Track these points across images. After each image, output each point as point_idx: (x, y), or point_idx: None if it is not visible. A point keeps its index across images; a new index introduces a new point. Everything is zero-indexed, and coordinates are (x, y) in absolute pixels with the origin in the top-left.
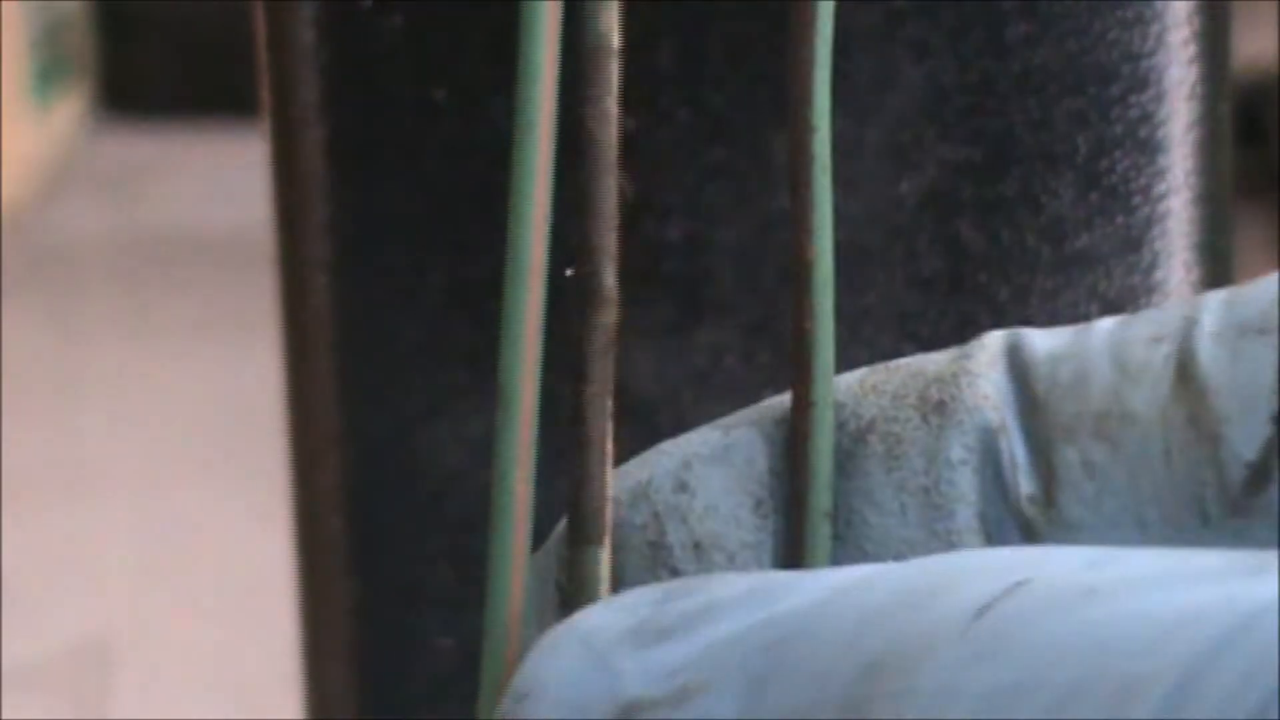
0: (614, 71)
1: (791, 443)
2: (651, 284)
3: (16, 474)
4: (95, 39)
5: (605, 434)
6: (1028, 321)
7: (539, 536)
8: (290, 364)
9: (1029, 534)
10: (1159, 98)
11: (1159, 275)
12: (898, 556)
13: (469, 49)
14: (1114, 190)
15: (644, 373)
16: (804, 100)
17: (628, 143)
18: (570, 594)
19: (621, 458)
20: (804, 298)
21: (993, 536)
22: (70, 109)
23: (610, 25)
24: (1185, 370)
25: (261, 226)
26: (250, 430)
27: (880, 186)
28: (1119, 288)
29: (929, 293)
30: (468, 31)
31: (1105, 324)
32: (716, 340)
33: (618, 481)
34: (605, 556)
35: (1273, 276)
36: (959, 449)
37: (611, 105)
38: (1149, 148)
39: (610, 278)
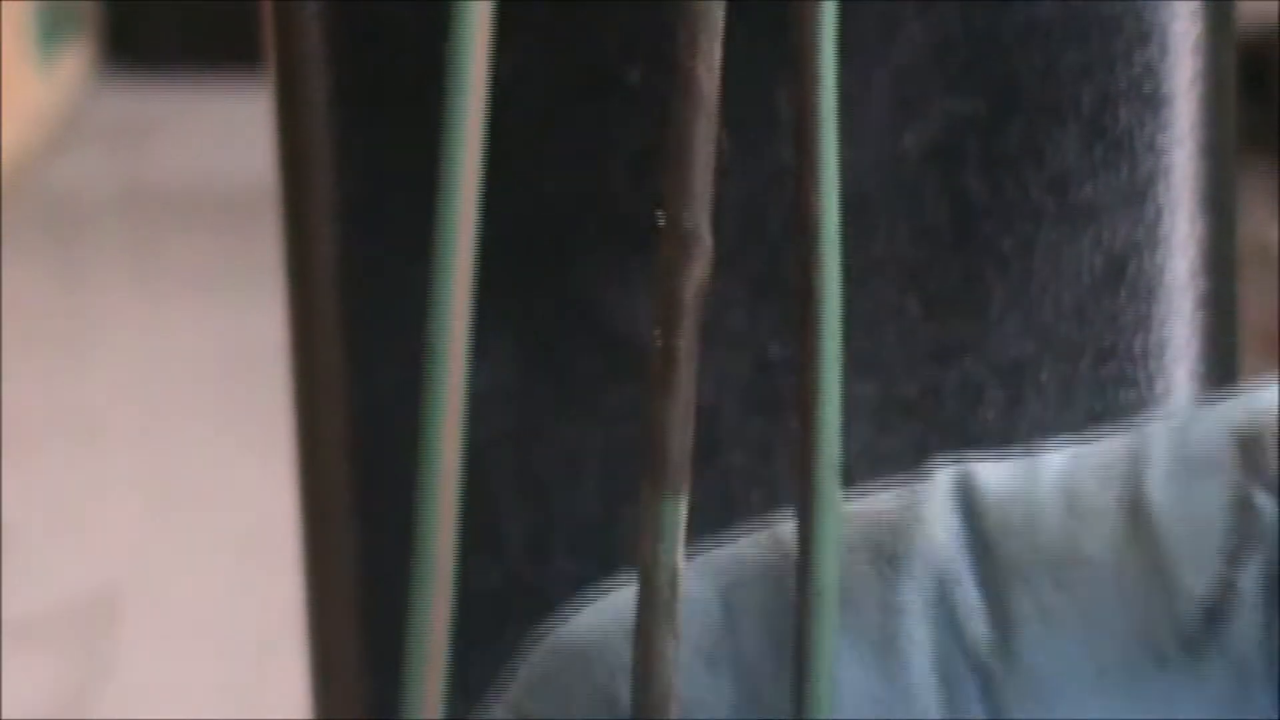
0: (721, 19)
1: (798, 397)
2: (655, 236)
3: (22, 425)
4: None
5: (692, 384)
6: (1032, 274)
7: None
8: (296, 314)
9: (987, 682)
10: (1163, 50)
11: (1163, 228)
12: (857, 711)
13: None
14: (1118, 143)
15: (648, 326)
16: (809, 52)
17: (632, 94)
18: (647, 546)
19: (625, 408)
20: (809, 251)
21: (951, 686)
22: (75, 63)
23: None
24: (1136, 511)
25: (265, 179)
26: (256, 380)
27: (884, 139)
28: (1123, 240)
29: (934, 245)
30: None
31: (1055, 460)
32: (722, 293)
33: (571, 628)
34: (684, 509)
35: (1220, 409)
36: (914, 599)
37: (718, 53)
38: (1153, 100)
39: (706, 227)
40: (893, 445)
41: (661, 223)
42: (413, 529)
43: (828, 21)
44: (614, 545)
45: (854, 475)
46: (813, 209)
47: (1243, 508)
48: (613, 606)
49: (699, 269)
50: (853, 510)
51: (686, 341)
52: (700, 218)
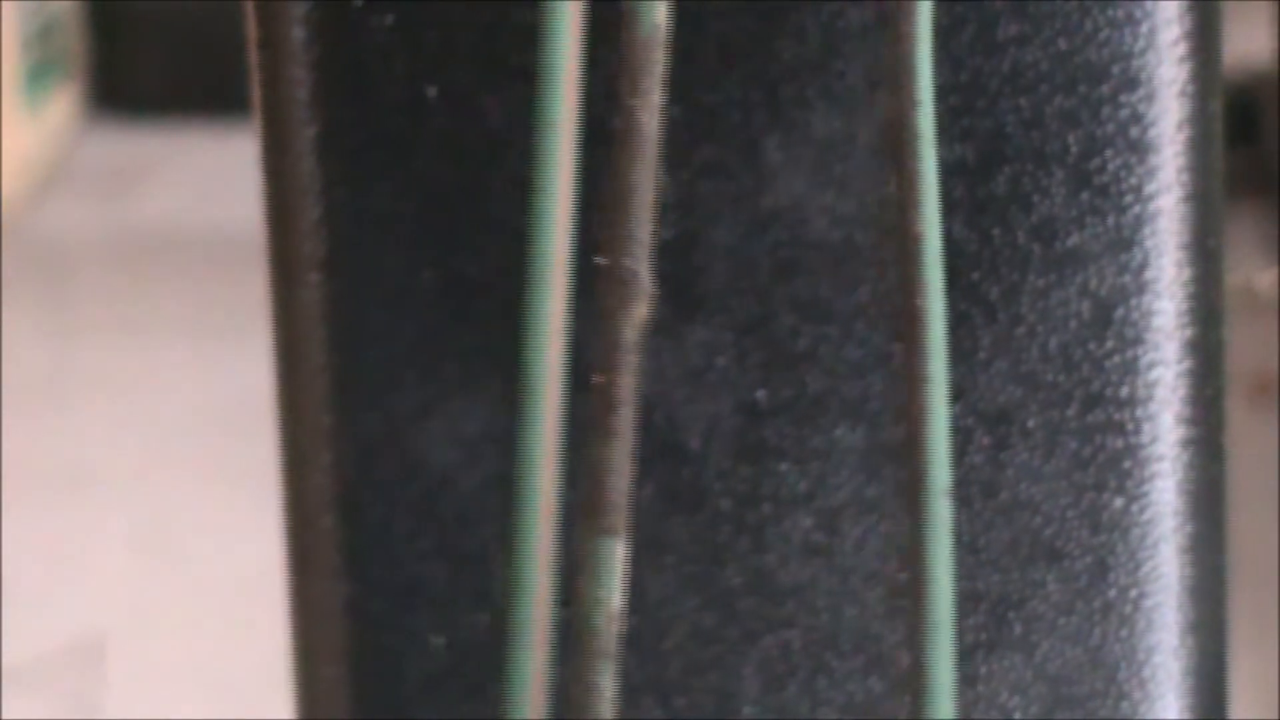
0: (662, 64)
1: (906, 422)
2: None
3: (10, 472)
4: (88, 38)
5: (631, 427)
6: (1019, 320)
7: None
8: (282, 362)
9: None
10: (1150, 97)
11: (1150, 274)
12: None
13: (460, 47)
14: (1105, 189)
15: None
16: (907, 75)
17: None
18: (585, 586)
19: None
20: (913, 273)
21: None
22: (63, 107)
23: (662, 17)
24: None
25: (254, 225)
26: (245, 428)
27: (872, 185)
28: (1110, 286)
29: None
30: (459, 30)
31: None
32: (709, 339)
33: None
34: (621, 550)
35: None
36: None
37: (658, 97)
38: (1140, 147)
39: (646, 271)
40: (879, 492)
41: (602, 264)
42: (508, 578)
43: (924, 43)
44: None
45: (841, 522)
46: (915, 230)
47: None
48: None
49: (638, 311)
50: None
51: (626, 382)
52: (639, 260)
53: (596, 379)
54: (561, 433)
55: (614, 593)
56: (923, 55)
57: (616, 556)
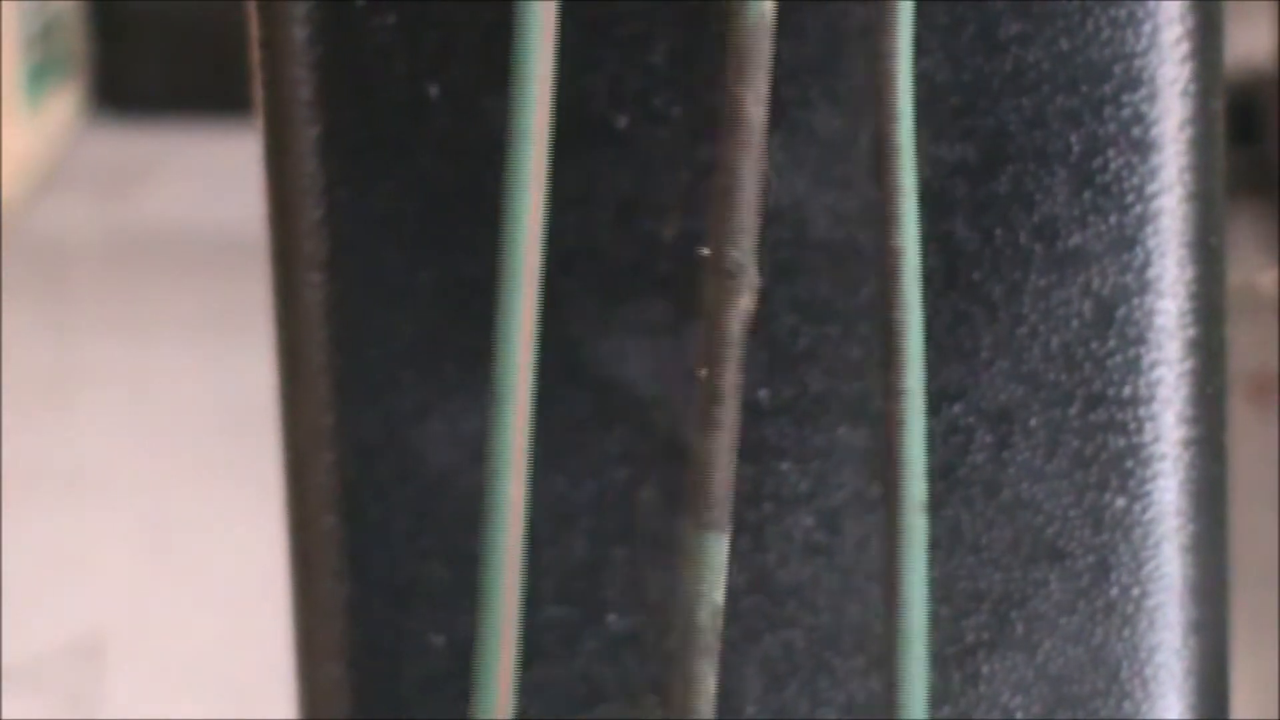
0: (769, 53)
1: (884, 433)
2: (645, 283)
3: (10, 471)
4: (89, 38)
5: (737, 420)
6: (1021, 320)
7: (532, 537)
8: (283, 362)
9: None
10: (1151, 96)
11: (1152, 273)
12: None
13: (462, 47)
14: (1107, 188)
15: (638, 371)
16: (887, 90)
17: (620, 141)
18: (688, 581)
19: (614, 454)
20: (892, 286)
21: None
22: (64, 107)
23: (769, 6)
24: None
25: (255, 225)
26: (244, 428)
27: (873, 185)
28: (1112, 285)
29: (923, 290)
30: (460, 29)
31: None
32: None
33: None
34: (726, 545)
35: None
36: None
37: (765, 84)
38: (1142, 146)
39: (753, 262)
40: (878, 493)
41: (705, 255)
42: (478, 580)
43: (905, 58)
44: (603, 593)
45: (842, 522)
46: (895, 244)
47: None
48: None
49: (744, 303)
50: None
51: (732, 376)
52: (747, 252)
53: (701, 372)
54: (531, 437)
55: (717, 588)
56: (903, 71)
57: (721, 551)
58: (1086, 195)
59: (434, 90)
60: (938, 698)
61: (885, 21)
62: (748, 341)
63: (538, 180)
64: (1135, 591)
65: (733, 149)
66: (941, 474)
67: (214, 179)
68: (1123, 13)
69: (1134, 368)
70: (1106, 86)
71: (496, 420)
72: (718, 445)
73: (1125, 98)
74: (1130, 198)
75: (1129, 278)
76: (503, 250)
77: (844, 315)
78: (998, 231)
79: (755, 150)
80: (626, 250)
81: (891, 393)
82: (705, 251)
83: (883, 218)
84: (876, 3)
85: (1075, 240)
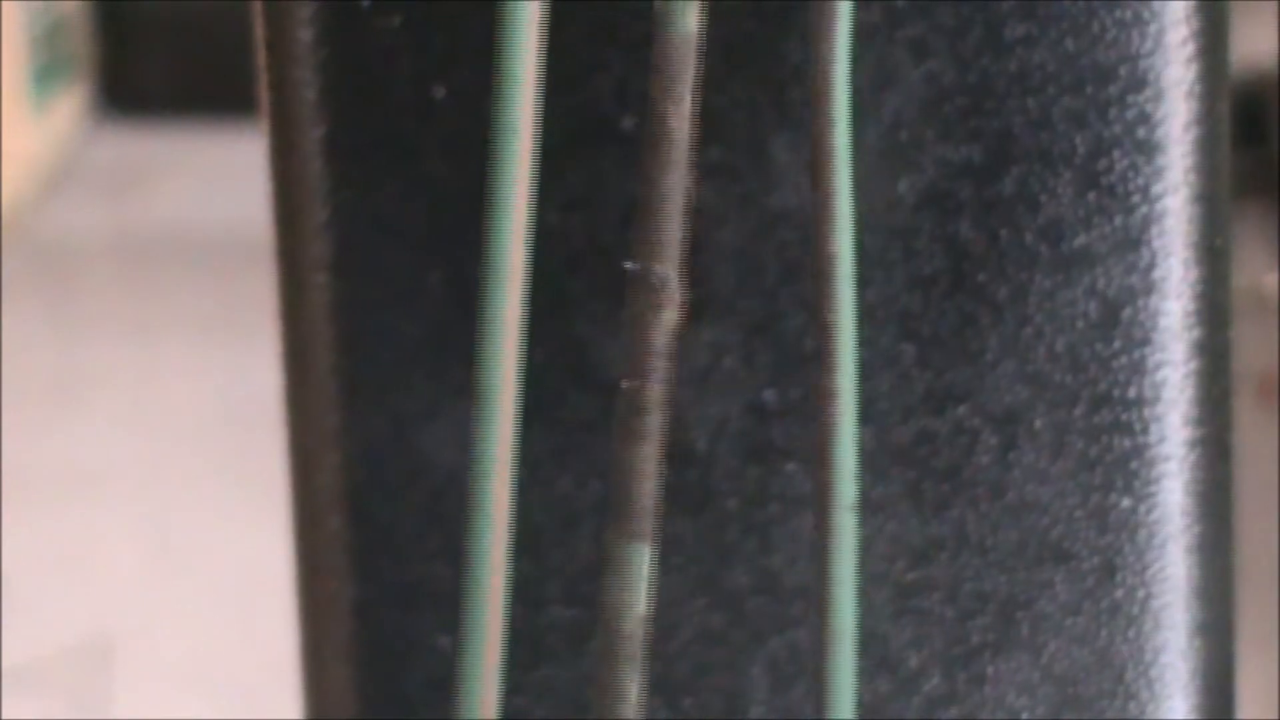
0: (694, 68)
1: (816, 435)
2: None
3: (17, 475)
4: (94, 39)
5: (660, 432)
6: (1026, 321)
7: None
8: (289, 363)
9: None
10: (1157, 97)
11: (1157, 274)
12: None
13: (467, 48)
14: (1112, 189)
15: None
16: (824, 95)
17: (625, 142)
18: (612, 591)
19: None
20: (826, 290)
21: None
22: (69, 108)
23: (695, 21)
24: None
25: (260, 226)
26: (250, 429)
27: (879, 186)
28: (1117, 287)
29: (929, 292)
30: (466, 30)
31: None
32: (716, 339)
33: None
34: (649, 556)
35: None
36: None
37: (690, 103)
38: (1147, 147)
39: (676, 275)
40: (887, 493)
41: (631, 269)
42: (462, 581)
43: (841, 64)
44: None
45: None
46: (829, 249)
47: None
48: None
49: (669, 316)
50: None
51: (657, 388)
52: (671, 266)
53: (626, 384)
54: (526, 438)
55: (641, 598)
56: (839, 76)
57: (645, 562)
58: (1092, 196)
59: (440, 91)
60: (943, 699)
61: (822, 26)
62: (675, 353)
63: (523, 179)
64: (1141, 593)
65: (656, 163)
66: (947, 475)
67: (219, 180)
68: (1128, 14)
69: (1139, 369)
70: (1112, 88)
71: (482, 418)
72: (641, 456)
73: (1131, 99)
74: (1136, 199)
75: (1134, 279)
76: (486, 251)
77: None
78: (1003, 233)
79: (680, 165)
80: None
81: (824, 394)
82: (630, 265)
83: (817, 223)
84: (816, 3)
85: (1080, 241)
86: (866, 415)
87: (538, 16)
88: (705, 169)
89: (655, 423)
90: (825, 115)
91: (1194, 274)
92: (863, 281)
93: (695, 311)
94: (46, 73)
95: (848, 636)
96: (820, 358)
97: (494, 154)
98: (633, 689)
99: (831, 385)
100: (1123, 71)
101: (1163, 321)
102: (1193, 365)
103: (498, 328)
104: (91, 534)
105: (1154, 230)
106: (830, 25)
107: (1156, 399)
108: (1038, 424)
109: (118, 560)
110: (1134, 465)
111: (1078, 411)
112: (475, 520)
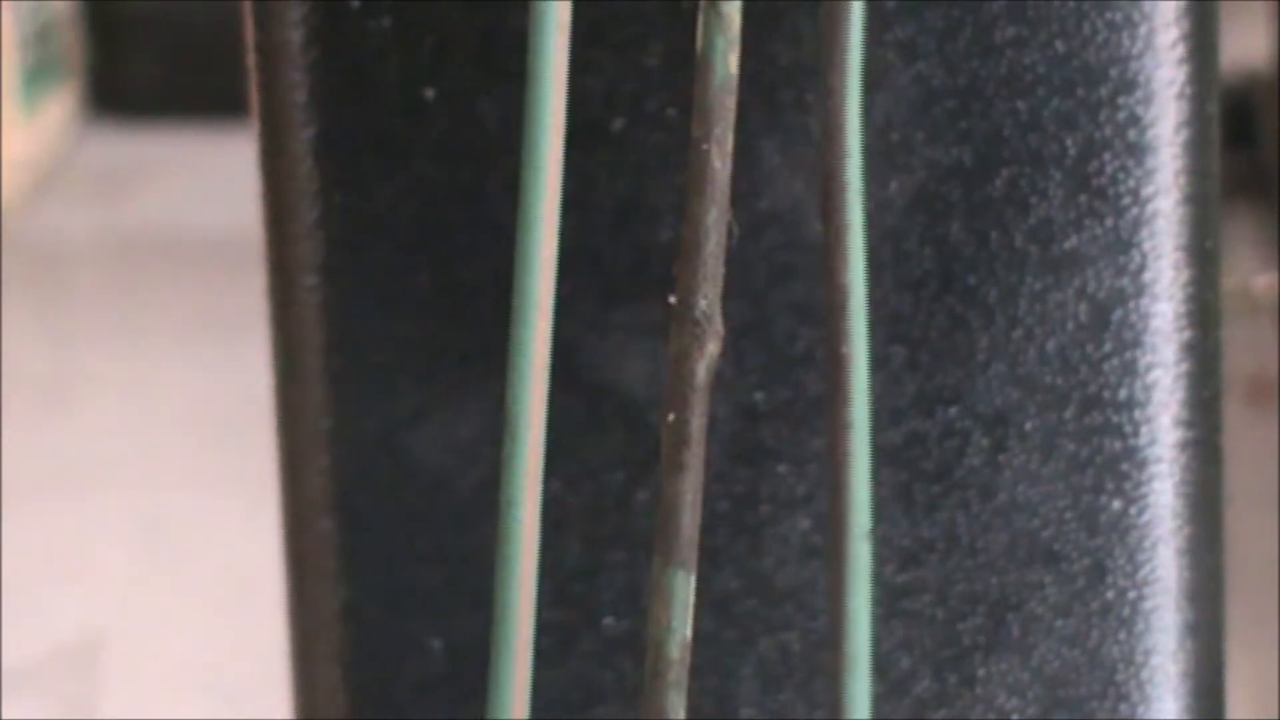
0: (734, 110)
1: (829, 466)
2: (641, 285)
3: (8, 474)
4: (84, 40)
5: (702, 461)
6: (1016, 323)
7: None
8: (279, 365)
9: None
10: (1147, 99)
11: (1148, 276)
12: None
13: (457, 49)
14: (1103, 191)
15: (633, 374)
16: (837, 126)
17: (615, 143)
18: (658, 617)
19: (607, 457)
20: (839, 322)
21: None
22: (59, 110)
23: (734, 65)
24: None
25: (250, 228)
26: (240, 431)
27: (870, 188)
28: (1107, 288)
29: (918, 293)
30: (456, 32)
31: None
32: None
33: None
34: (692, 583)
35: None
36: None
37: (730, 140)
38: (1137, 149)
39: (718, 310)
40: (877, 494)
41: (673, 304)
42: (491, 606)
43: (853, 96)
44: (598, 595)
45: None
46: (842, 281)
47: None
48: None
49: (711, 350)
50: None
51: (698, 420)
52: (713, 301)
53: (671, 417)
54: (546, 441)
55: (686, 623)
56: (851, 109)
57: (689, 588)
58: (1082, 198)
59: (429, 92)
60: (933, 700)
61: (834, 60)
62: (711, 385)
63: (554, 174)
64: (1131, 594)
65: (699, 203)
66: (937, 477)
67: (210, 182)
68: (1118, 16)
69: (1129, 371)
70: (1102, 89)
71: (513, 421)
72: (685, 487)
73: (1121, 101)
74: (1126, 201)
75: (1125, 281)
76: (519, 242)
77: None
78: (993, 234)
79: (721, 204)
80: (622, 253)
81: (838, 426)
82: (673, 300)
83: (829, 255)
84: (828, 33)
85: (1071, 243)
86: None
87: (568, 19)
88: None
89: (698, 454)
90: (838, 148)
91: (1184, 276)
92: None
93: None
94: (36, 74)
95: (862, 663)
96: (833, 390)
97: (525, 158)
98: (680, 712)
99: (846, 417)
100: (1113, 73)
101: (1153, 323)
102: (1183, 367)
103: (527, 355)
104: (82, 535)
105: (1144, 232)
106: (842, 59)
107: (1147, 401)
108: (1028, 426)
109: (108, 562)
110: (1124, 467)
111: (1068, 413)
112: (505, 546)
